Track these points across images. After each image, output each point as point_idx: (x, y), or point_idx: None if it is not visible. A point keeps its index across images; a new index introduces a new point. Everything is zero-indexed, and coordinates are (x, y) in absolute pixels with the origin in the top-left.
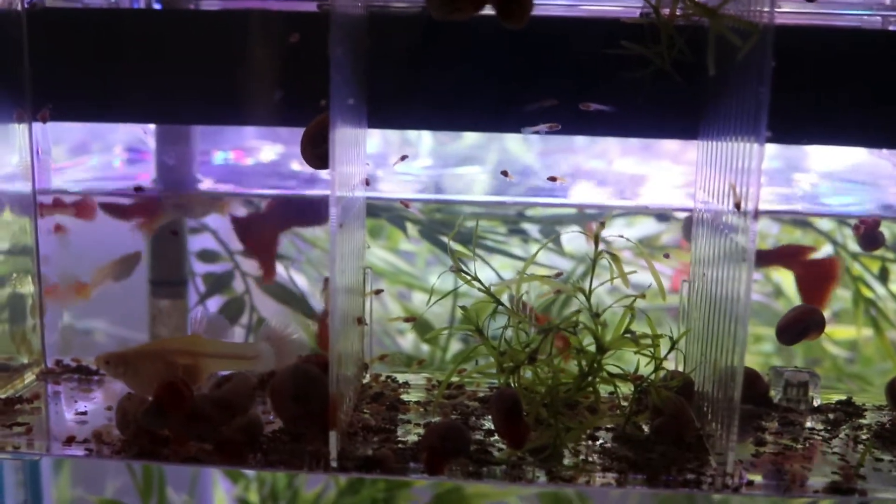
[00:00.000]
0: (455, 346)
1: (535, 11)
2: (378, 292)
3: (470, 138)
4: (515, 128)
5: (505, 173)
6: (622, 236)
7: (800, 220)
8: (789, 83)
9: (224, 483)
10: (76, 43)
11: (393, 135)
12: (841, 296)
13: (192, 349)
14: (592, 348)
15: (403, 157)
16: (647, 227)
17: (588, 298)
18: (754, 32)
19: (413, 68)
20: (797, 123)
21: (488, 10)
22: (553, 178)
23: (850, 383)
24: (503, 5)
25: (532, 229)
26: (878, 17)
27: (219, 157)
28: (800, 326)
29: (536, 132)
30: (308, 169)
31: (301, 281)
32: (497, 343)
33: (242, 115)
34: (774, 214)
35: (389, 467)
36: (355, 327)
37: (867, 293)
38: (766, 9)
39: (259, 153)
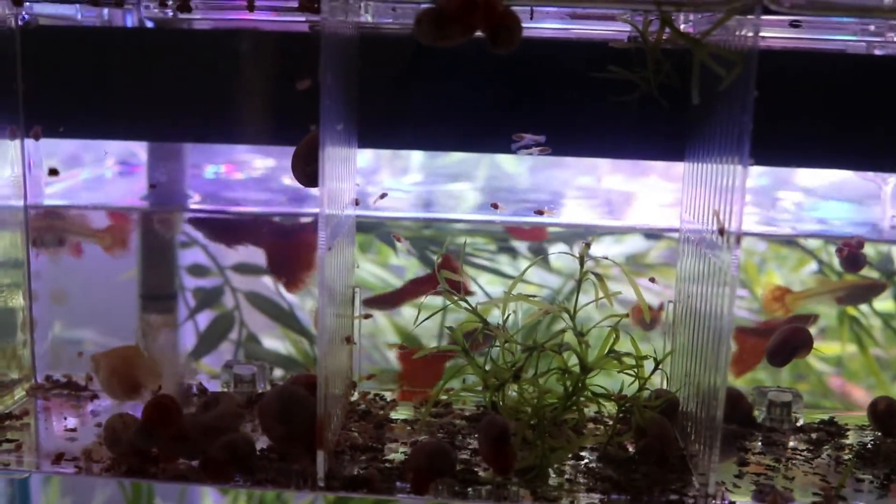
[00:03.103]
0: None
1: (525, 34)
2: (367, 317)
3: (461, 154)
4: (504, 148)
5: (495, 206)
6: (606, 257)
7: (785, 239)
8: (774, 106)
9: (213, 495)
10: (69, 60)
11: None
12: (826, 313)
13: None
14: (578, 368)
15: (383, 195)
16: (635, 244)
17: (573, 318)
18: (738, 63)
19: (404, 88)
20: (781, 146)
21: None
22: (540, 212)
23: (836, 400)
24: (492, 32)
25: (521, 246)
26: (863, 43)
27: (210, 171)
28: (789, 348)
29: (529, 154)
30: (298, 184)
31: (291, 296)
32: (483, 361)
33: (234, 133)
34: (757, 236)
35: (376, 487)
36: (344, 346)
37: (851, 311)
38: (749, 34)
39: (251, 167)
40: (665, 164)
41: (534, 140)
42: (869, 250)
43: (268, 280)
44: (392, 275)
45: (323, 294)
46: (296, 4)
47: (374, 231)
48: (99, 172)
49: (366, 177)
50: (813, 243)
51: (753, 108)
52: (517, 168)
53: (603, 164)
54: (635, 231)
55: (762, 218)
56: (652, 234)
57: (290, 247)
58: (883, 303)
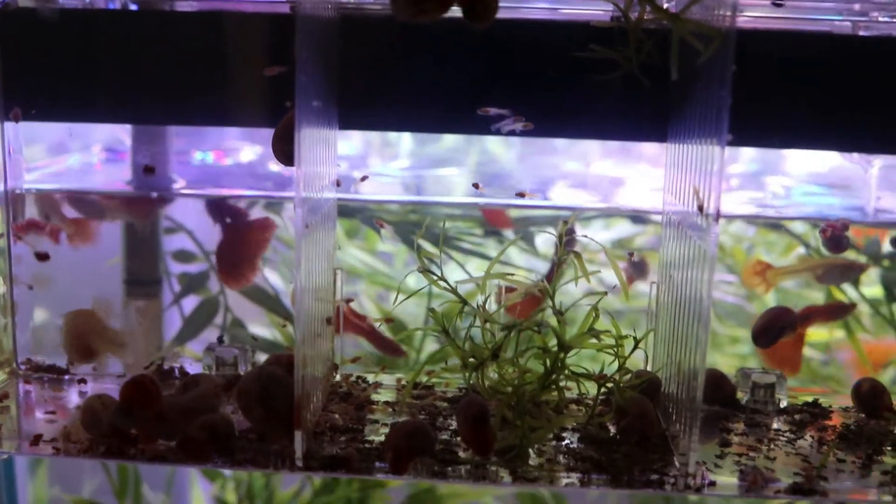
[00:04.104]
0: (431, 346)
1: (507, 14)
2: (349, 301)
3: (450, 139)
4: (487, 129)
5: (476, 185)
6: (585, 236)
7: (772, 223)
8: (757, 86)
9: (202, 482)
10: (50, 43)
11: (373, 135)
12: (815, 298)
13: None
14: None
15: (364, 178)
16: (623, 229)
17: (552, 297)
18: (716, 38)
19: (385, 70)
20: (764, 126)
21: (458, 13)
22: (521, 194)
23: (825, 385)
24: (469, 6)
25: (508, 231)
26: (848, 23)
27: (197, 157)
28: (775, 329)
29: (512, 132)
30: (285, 171)
31: (276, 281)
32: (463, 342)
33: (218, 115)
34: (740, 217)
35: (354, 467)
36: (324, 328)
37: (839, 295)
38: (727, 13)
39: (238, 153)
40: (655, 150)
41: (497, 112)
42: (856, 233)
43: None
44: (379, 261)
45: (299, 275)
46: None
47: (359, 215)
48: (87, 159)
49: (355, 162)
50: (800, 227)
51: (732, 83)
52: (506, 153)
53: (592, 149)
54: (620, 213)
55: (750, 202)
56: (639, 219)
57: (238, 241)
58: (871, 288)
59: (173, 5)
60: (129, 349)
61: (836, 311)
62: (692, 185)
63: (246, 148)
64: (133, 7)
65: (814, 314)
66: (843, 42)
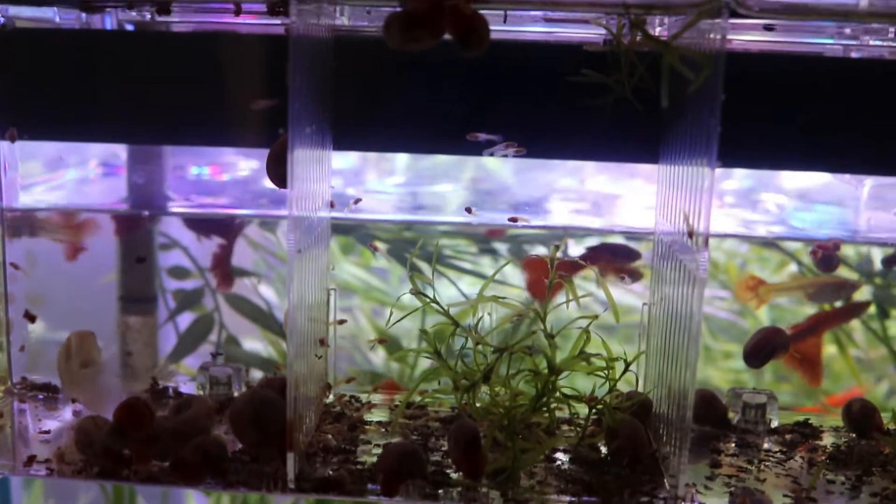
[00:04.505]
0: (425, 363)
1: (501, 36)
2: (342, 322)
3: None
4: (479, 151)
5: (469, 210)
6: (578, 258)
7: (766, 241)
8: (748, 108)
9: (197, 496)
10: (46, 63)
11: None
12: (809, 313)
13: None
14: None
15: (357, 201)
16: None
17: (543, 320)
18: (706, 66)
19: (379, 91)
20: (753, 148)
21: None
22: (514, 219)
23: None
24: (462, 36)
25: (502, 248)
26: (839, 46)
27: (193, 172)
28: (767, 349)
29: (505, 155)
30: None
31: (272, 297)
32: (454, 363)
33: (213, 135)
34: (732, 237)
35: (346, 489)
36: (317, 348)
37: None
38: (718, 36)
39: (235, 169)
40: (651, 166)
41: (487, 138)
42: (849, 251)
43: (247, 282)
44: (374, 277)
45: (292, 296)
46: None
47: (354, 233)
48: (83, 174)
49: (350, 178)
50: (793, 245)
51: (721, 111)
52: (502, 169)
53: (588, 165)
54: (614, 233)
55: (743, 220)
56: (634, 236)
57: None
58: None
59: (168, 26)
60: (88, 391)
61: (853, 311)
62: (682, 209)
63: (242, 163)
64: (129, 27)
65: (830, 318)
66: (834, 64)
